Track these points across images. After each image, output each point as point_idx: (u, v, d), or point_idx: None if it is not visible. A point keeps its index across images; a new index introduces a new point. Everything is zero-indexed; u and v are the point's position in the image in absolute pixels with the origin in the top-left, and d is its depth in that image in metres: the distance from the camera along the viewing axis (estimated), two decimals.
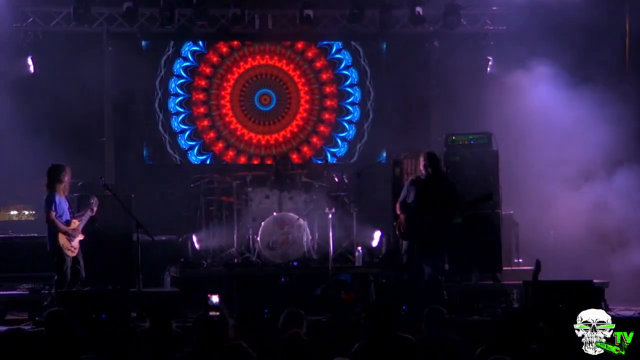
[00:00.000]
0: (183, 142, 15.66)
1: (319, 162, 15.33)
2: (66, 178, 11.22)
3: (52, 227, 10.94)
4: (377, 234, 13.09)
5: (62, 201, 11.11)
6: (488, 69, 15.01)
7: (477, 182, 12.30)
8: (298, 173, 13.47)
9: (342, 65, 15.99)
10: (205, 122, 15.77)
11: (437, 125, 15.11)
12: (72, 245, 11.03)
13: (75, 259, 11.10)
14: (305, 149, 15.91)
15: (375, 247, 13.10)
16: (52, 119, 14.36)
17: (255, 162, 15.69)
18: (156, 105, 15.55)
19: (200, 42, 15.69)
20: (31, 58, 14.38)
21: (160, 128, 15.54)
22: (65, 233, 10.96)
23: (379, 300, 7.96)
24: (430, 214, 11.06)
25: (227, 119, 15.81)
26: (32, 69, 14.41)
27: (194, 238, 12.99)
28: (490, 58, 15.02)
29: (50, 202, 10.96)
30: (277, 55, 15.91)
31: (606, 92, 13.21)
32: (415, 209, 11.23)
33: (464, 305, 11.37)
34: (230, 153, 15.77)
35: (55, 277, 11.02)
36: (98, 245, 12.15)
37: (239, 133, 15.81)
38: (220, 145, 15.77)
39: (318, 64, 15.98)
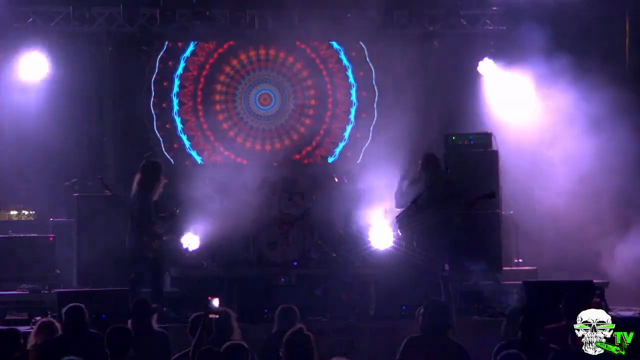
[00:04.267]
0: (184, 142, 15.64)
1: (320, 162, 15.35)
2: (162, 177, 11.20)
3: (140, 227, 10.89)
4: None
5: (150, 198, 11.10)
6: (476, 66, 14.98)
7: (477, 182, 12.29)
8: (298, 173, 13.47)
9: (344, 64, 16.00)
10: (203, 122, 15.76)
11: (437, 125, 15.10)
12: (152, 246, 11.02)
13: (155, 259, 11.07)
14: (305, 149, 15.90)
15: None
16: (52, 119, 14.35)
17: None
18: (151, 105, 15.53)
19: (199, 43, 15.66)
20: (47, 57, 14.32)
21: (156, 129, 15.52)
22: (148, 234, 10.93)
23: (438, 300, 8.08)
24: (430, 215, 11.05)
25: (225, 124, 15.79)
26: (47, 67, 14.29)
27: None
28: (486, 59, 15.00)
29: (146, 202, 10.91)
30: (276, 55, 15.92)
31: (606, 91, 13.21)
32: (416, 210, 11.21)
33: (464, 305, 11.37)
34: (229, 155, 15.76)
35: (132, 276, 11.01)
36: (98, 245, 12.19)
37: (239, 140, 15.79)
38: (218, 146, 15.76)
39: (319, 64, 15.99)
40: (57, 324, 8.32)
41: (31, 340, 8.17)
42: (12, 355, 7.50)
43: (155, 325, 8.66)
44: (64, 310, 8.45)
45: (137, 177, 11.20)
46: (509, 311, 8.61)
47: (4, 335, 7.62)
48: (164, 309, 10.73)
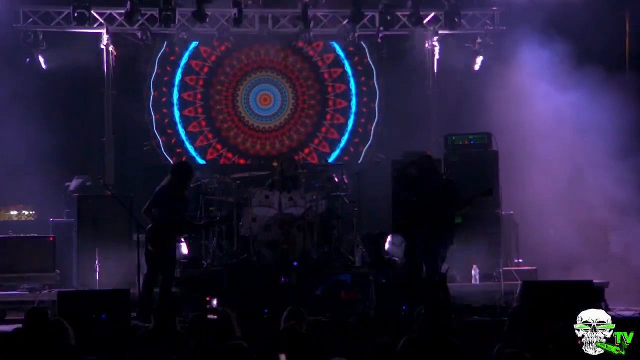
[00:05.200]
0: (185, 141, 15.64)
1: (319, 162, 15.35)
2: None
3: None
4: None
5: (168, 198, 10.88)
6: (476, 66, 15.00)
7: (477, 182, 12.27)
8: (299, 173, 13.47)
9: (343, 64, 16.01)
10: (203, 123, 15.76)
11: (437, 125, 15.10)
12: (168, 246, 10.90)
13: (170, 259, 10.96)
14: (305, 149, 15.91)
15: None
16: (53, 119, 14.36)
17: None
18: (151, 105, 15.53)
19: (199, 42, 15.67)
20: (40, 55, 14.35)
21: (155, 129, 15.52)
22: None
23: (438, 300, 8.05)
24: (430, 214, 11.03)
25: (224, 124, 15.81)
26: (43, 65, 14.36)
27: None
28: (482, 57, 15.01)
29: (156, 201, 10.77)
30: (276, 55, 15.93)
31: (606, 91, 13.21)
32: (415, 210, 11.20)
33: (464, 305, 11.35)
34: (229, 155, 15.77)
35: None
36: (98, 245, 12.19)
37: (239, 133, 15.82)
38: (218, 145, 15.77)
39: (319, 64, 16.00)
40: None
41: None
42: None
43: (178, 327, 8.62)
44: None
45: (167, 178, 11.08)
46: (511, 311, 8.59)
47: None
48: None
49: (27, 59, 14.39)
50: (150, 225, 10.75)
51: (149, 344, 8.02)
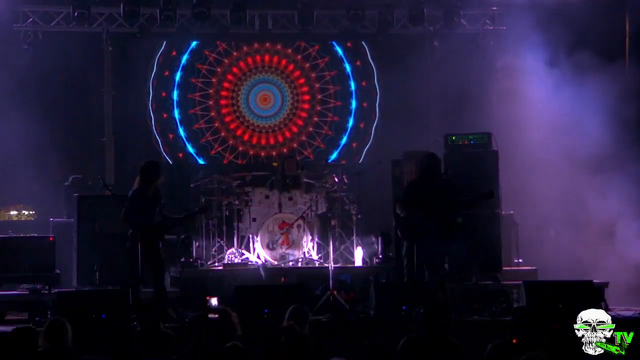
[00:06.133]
0: (184, 142, 15.64)
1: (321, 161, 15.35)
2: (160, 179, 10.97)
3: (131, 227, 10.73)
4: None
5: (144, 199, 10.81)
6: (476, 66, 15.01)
7: (477, 182, 12.26)
8: (299, 173, 13.47)
9: (343, 64, 16.01)
10: (203, 123, 15.76)
11: (437, 125, 15.10)
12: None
13: (157, 258, 10.83)
14: (305, 150, 15.91)
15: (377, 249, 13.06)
16: (53, 119, 14.37)
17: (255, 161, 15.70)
18: (149, 105, 15.53)
19: (199, 42, 15.67)
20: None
21: (155, 129, 15.52)
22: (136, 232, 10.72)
23: (437, 300, 7.98)
24: (431, 215, 11.04)
25: (224, 124, 15.81)
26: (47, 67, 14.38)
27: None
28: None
29: (134, 200, 10.71)
30: (276, 55, 15.94)
31: (607, 91, 13.21)
32: (416, 210, 11.20)
33: (464, 305, 11.35)
34: (229, 155, 15.77)
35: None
36: (98, 245, 12.18)
37: (238, 134, 15.81)
38: (218, 146, 15.77)
39: (320, 64, 15.99)
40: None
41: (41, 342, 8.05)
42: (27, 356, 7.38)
43: (161, 326, 8.63)
44: None
45: (137, 178, 11.09)
46: (514, 311, 8.58)
47: (20, 334, 7.51)
48: (168, 310, 10.65)
49: (27, 59, 14.38)
50: (132, 229, 10.72)
51: (138, 344, 8.02)
